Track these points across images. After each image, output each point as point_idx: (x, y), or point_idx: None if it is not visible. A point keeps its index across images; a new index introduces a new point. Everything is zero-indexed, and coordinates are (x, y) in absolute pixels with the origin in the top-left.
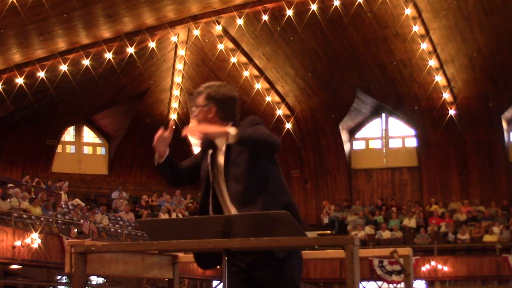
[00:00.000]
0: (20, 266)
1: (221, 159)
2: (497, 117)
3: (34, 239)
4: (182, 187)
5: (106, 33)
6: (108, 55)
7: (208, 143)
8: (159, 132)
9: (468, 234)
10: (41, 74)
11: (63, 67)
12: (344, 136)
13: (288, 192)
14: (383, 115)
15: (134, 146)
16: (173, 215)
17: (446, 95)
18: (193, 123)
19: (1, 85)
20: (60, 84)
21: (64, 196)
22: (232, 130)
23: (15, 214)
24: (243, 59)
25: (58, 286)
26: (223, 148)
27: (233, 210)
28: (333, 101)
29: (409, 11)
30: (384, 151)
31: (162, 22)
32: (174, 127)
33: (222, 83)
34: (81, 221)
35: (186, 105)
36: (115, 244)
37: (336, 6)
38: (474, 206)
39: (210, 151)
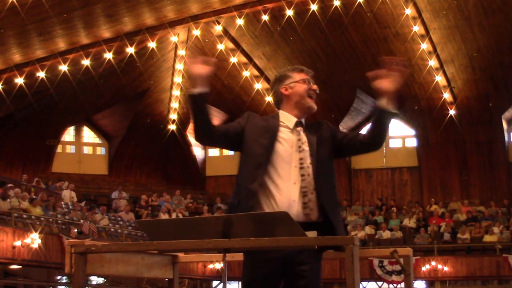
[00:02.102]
0: (20, 266)
1: (303, 138)
2: (497, 117)
3: (34, 239)
4: (182, 187)
5: (106, 33)
6: (108, 55)
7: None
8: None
9: (468, 234)
10: (41, 74)
11: (63, 67)
12: None
13: None
14: None
15: (134, 146)
16: (173, 215)
17: (446, 95)
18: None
19: (1, 85)
20: (60, 84)
21: (70, 193)
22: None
23: (15, 214)
24: (243, 59)
25: (58, 286)
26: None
27: (296, 194)
28: (333, 101)
29: (409, 11)
30: (384, 151)
31: (162, 22)
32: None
33: None
34: (81, 221)
35: (186, 105)
36: (115, 244)
37: (336, 6)
38: (474, 206)
39: (301, 129)
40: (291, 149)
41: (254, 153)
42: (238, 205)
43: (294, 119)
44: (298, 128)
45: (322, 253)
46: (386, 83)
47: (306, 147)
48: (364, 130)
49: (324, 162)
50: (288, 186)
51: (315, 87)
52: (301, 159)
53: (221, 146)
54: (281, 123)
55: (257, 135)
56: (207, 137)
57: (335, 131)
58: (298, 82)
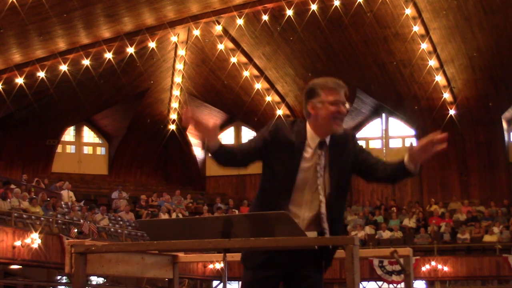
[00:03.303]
0: (20, 266)
1: (321, 158)
2: (497, 117)
3: (34, 239)
4: (182, 187)
5: (106, 33)
6: (108, 55)
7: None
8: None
9: (468, 234)
10: (41, 74)
11: (63, 67)
12: None
13: None
14: (383, 115)
15: (134, 146)
16: (173, 215)
17: (446, 95)
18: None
19: (1, 85)
20: (60, 84)
21: (68, 193)
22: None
23: (15, 214)
24: (243, 59)
25: (58, 286)
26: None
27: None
28: None
29: (409, 11)
30: (384, 151)
31: (162, 22)
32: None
33: None
34: (81, 221)
35: (186, 105)
36: (115, 244)
37: (336, 6)
38: (474, 206)
39: (320, 152)
40: (310, 175)
41: (278, 176)
42: None
43: (318, 139)
44: (319, 152)
45: (323, 269)
46: (423, 154)
47: (323, 172)
48: (382, 164)
49: (342, 188)
50: (304, 213)
51: (344, 109)
52: (318, 185)
53: (246, 167)
54: (307, 142)
55: (282, 154)
56: (231, 167)
57: (360, 151)
58: (325, 104)
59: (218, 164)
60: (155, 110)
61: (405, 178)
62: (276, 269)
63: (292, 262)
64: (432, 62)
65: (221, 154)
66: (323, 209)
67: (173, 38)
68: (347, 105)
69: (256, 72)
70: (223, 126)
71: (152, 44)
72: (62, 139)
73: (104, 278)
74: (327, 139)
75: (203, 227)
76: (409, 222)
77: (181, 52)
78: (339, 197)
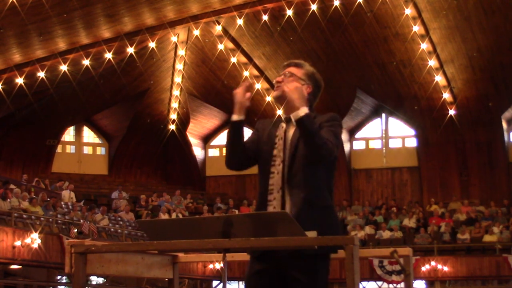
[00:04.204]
0: (20, 266)
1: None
2: (497, 117)
3: (34, 239)
4: (182, 187)
5: (106, 33)
6: (108, 55)
7: (281, 120)
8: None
9: (468, 234)
10: (41, 74)
11: (63, 67)
12: (344, 136)
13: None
14: (383, 115)
15: (134, 146)
16: (173, 215)
17: (446, 95)
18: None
19: (1, 85)
20: (60, 84)
21: (70, 194)
22: (305, 109)
23: (15, 214)
24: (243, 59)
25: (58, 286)
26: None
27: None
28: (333, 101)
29: (409, 11)
30: (384, 151)
31: (162, 22)
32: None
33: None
34: (81, 221)
35: (186, 105)
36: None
37: (336, 6)
38: (474, 206)
39: (284, 125)
40: (270, 148)
41: (261, 171)
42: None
43: (284, 116)
44: (282, 124)
45: (320, 266)
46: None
47: (281, 144)
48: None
49: (301, 159)
50: (264, 185)
51: (278, 78)
52: (274, 156)
53: (252, 166)
54: (281, 125)
55: (263, 146)
56: (237, 161)
57: (321, 126)
58: None
59: (228, 149)
60: (155, 110)
61: (305, 129)
62: (270, 263)
63: (280, 257)
64: (432, 62)
65: (236, 129)
66: (273, 181)
67: (173, 38)
68: (286, 74)
69: (256, 72)
70: (223, 126)
71: (152, 44)
72: (62, 139)
73: (104, 278)
74: (293, 115)
75: (203, 227)
76: (409, 222)
77: (181, 52)
78: (297, 171)
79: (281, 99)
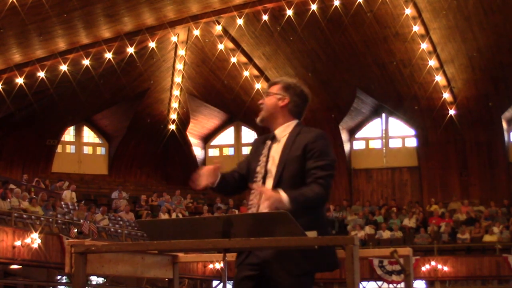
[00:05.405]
0: (20, 266)
1: (276, 152)
2: (497, 117)
3: (34, 239)
4: (182, 187)
5: (106, 33)
6: (108, 55)
7: (269, 137)
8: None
9: (468, 234)
10: (41, 74)
11: (63, 67)
12: (344, 136)
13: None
14: (383, 115)
15: (134, 146)
16: (173, 215)
17: (446, 95)
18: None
19: (1, 85)
20: (60, 84)
21: (71, 194)
22: (284, 198)
23: (15, 214)
24: (243, 59)
25: (58, 286)
26: (282, 140)
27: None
28: (333, 101)
29: (409, 11)
30: (384, 151)
31: (162, 22)
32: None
33: (298, 81)
34: (81, 221)
35: (186, 105)
36: (115, 244)
37: (336, 6)
38: (474, 206)
39: (269, 142)
40: (255, 164)
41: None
42: None
43: (269, 134)
44: (268, 142)
45: (300, 273)
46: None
47: (264, 161)
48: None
49: (288, 179)
50: (248, 200)
51: (259, 102)
52: (256, 172)
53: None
54: (267, 142)
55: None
56: (235, 192)
57: (310, 157)
58: None
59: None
60: (155, 110)
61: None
62: (251, 270)
63: (261, 262)
64: (432, 62)
65: (221, 189)
66: (253, 196)
67: (173, 38)
68: (269, 94)
69: (256, 72)
70: (223, 126)
71: (152, 44)
72: (62, 139)
73: (104, 278)
74: (278, 133)
75: (203, 227)
76: (409, 222)
77: (181, 52)
78: (284, 187)
79: (263, 121)
